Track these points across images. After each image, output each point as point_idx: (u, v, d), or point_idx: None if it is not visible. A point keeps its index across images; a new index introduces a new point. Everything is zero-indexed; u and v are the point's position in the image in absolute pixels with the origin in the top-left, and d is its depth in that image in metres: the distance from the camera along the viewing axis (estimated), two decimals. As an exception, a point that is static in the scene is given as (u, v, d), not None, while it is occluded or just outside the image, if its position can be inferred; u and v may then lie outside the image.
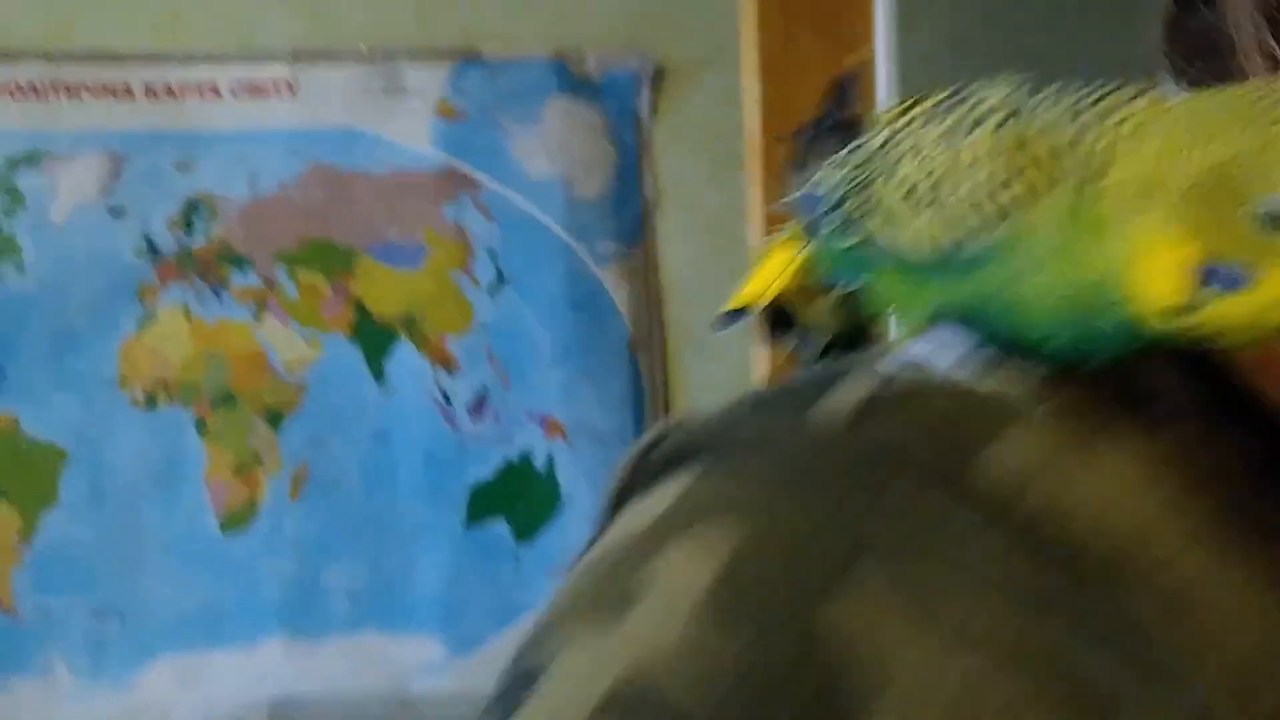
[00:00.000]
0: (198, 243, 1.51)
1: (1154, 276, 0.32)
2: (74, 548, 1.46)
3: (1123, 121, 0.35)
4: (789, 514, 0.29)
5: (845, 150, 0.42)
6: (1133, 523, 0.32)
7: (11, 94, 1.47)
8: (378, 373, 1.53)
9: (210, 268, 1.52)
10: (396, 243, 1.53)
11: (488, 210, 1.54)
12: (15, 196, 1.47)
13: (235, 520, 1.49)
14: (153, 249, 1.50)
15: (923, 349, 0.37)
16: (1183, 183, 0.32)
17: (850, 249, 0.40)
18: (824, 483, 0.30)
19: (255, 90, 1.53)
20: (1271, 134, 0.31)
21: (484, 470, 1.53)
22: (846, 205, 0.40)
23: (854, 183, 0.41)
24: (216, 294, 1.52)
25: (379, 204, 1.53)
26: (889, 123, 0.42)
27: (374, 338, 1.52)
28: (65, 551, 1.46)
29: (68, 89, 1.48)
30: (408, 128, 1.54)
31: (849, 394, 0.33)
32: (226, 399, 1.51)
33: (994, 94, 0.37)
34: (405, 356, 1.53)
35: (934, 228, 0.36)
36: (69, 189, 1.48)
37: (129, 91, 1.50)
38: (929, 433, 0.32)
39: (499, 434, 1.53)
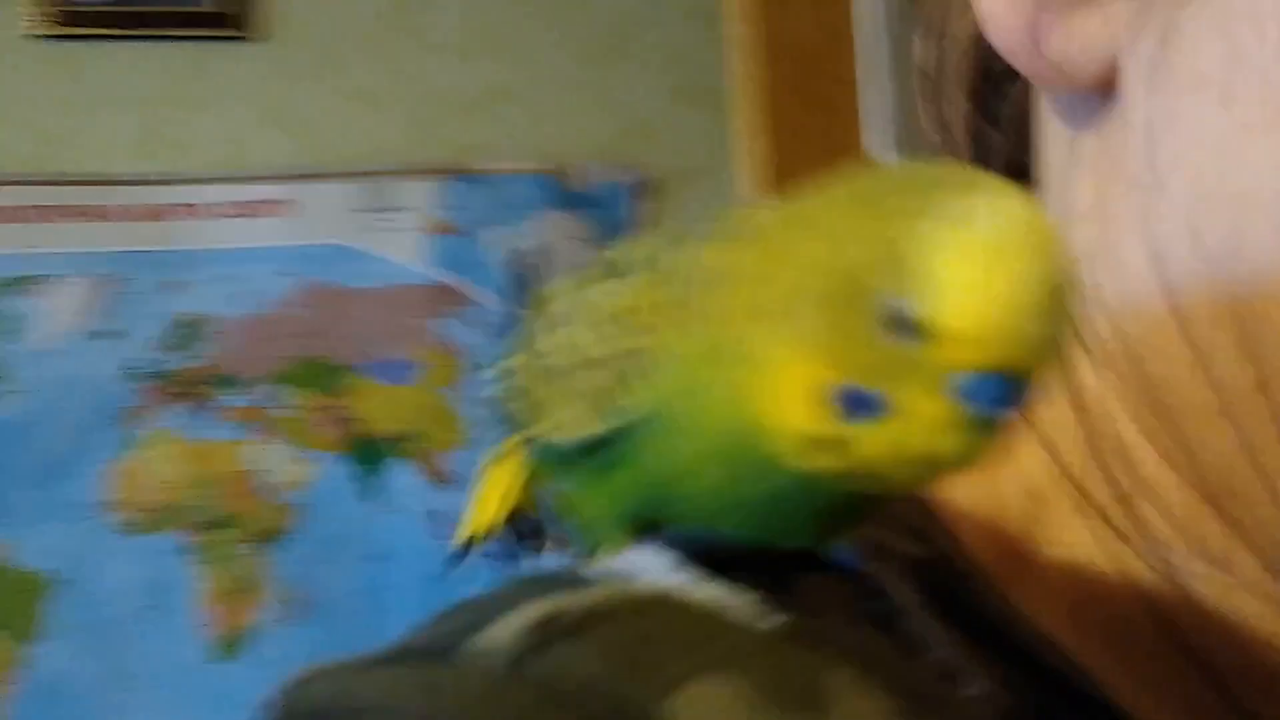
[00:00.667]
0: (185, 364, 1.50)
1: (783, 403, 0.26)
2: (63, 679, 1.42)
3: (733, 231, 0.29)
4: None
5: (506, 342, 0.37)
6: None
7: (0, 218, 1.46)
8: (372, 491, 1.50)
9: (199, 388, 1.50)
10: (389, 359, 1.51)
11: (479, 324, 1.53)
12: (5, 322, 1.45)
13: (226, 646, 1.45)
14: (141, 371, 1.48)
15: (632, 557, 0.32)
16: (795, 292, 0.26)
17: (533, 446, 0.34)
18: None
19: (245, 209, 1.52)
20: (890, 218, 0.25)
21: (480, 588, 1.49)
22: (504, 399, 0.36)
23: (506, 371, 0.36)
24: (205, 415, 1.50)
25: (370, 321, 1.52)
26: (546, 299, 0.37)
27: (368, 456, 1.50)
28: (54, 684, 1.41)
29: (54, 212, 1.48)
30: (399, 243, 1.54)
31: (518, 619, 0.27)
32: (217, 522, 1.48)
33: (639, 247, 0.32)
34: (400, 474, 1.50)
35: (581, 407, 0.31)
36: (58, 313, 1.47)
37: (116, 213, 1.49)
38: (610, 670, 0.26)
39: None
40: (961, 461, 0.25)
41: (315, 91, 1.54)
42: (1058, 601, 0.32)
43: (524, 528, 0.41)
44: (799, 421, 0.26)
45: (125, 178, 1.49)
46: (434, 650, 0.27)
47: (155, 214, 1.50)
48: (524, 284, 1.48)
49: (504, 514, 0.40)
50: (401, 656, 0.27)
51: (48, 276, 1.47)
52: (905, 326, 0.24)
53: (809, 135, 1.48)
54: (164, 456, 1.48)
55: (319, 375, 1.51)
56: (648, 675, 0.26)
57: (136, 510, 1.46)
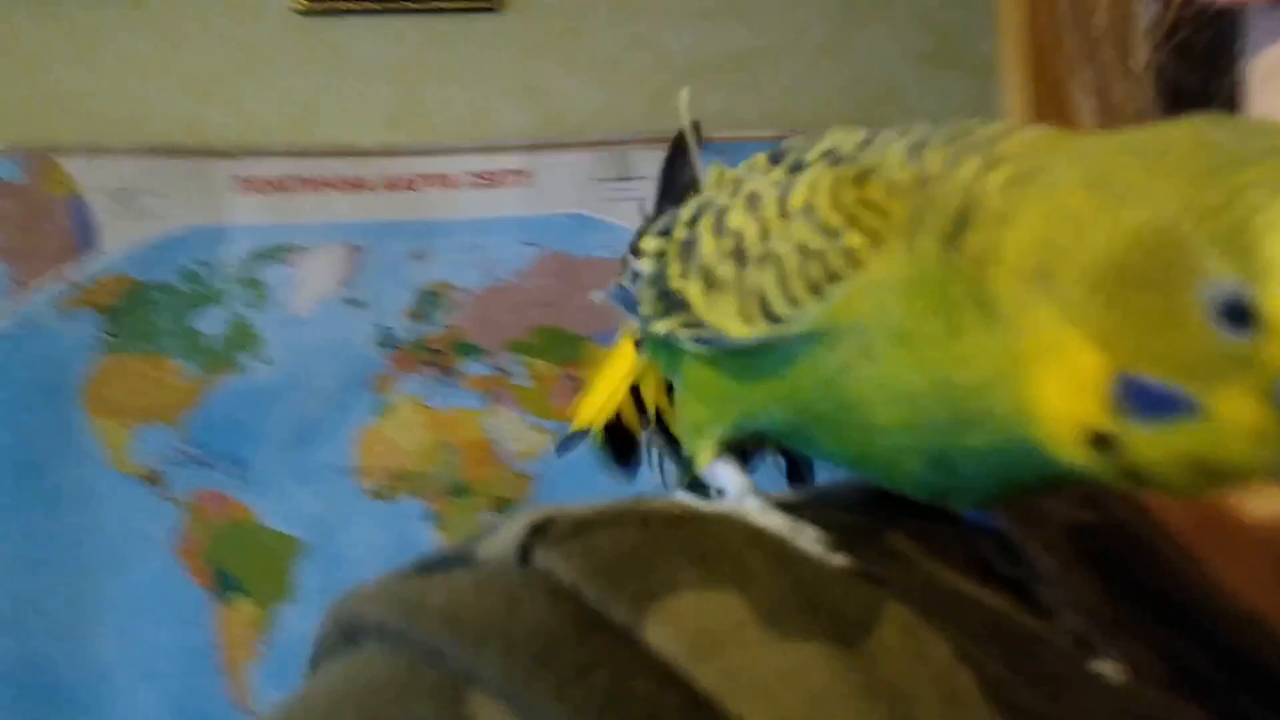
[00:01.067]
0: (432, 332, 1.52)
1: (1054, 390, 0.23)
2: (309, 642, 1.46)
3: (995, 163, 0.25)
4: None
5: (666, 217, 0.35)
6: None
7: (258, 189, 1.51)
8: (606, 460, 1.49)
9: (444, 357, 1.52)
10: (627, 330, 1.50)
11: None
12: (260, 290, 1.50)
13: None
14: (389, 339, 1.51)
15: (717, 471, 0.31)
16: (1094, 258, 0.22)
17: (667, 337, 0.32)
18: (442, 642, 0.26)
19: (489, 180, 1.53)
20: (1229, 186, 0.21)
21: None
22: (664, 277, 0.33)
23: (674, 249, 0.33)
24: (449, 382, 1.51)
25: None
26: (719, 180, 0.35)
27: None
28: (302, 645, 1.46)
29: (310, 183, 1.52)
30: (635, 213, 1.52)
31: (516, 525, 0.28)
32: (458, 489, 1.50)
33: (835, 137, 0.30)
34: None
35: (756, 297, 0.28)
36: (310, 281, 1.51)
37: (368, 184, 1.52)
38: (585, 576, 0.27)
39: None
40: (1270, 477, 0.22)
41: (557, 61, 1.54)
42: (1265, 567, 0.30)
43: (621, 439, 0.39)
44: (1072, 411, 0.23)
45: (377, 149, 1.52)
46: (456, 557, 0.29)
47: (404, 184, 1.53)
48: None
49: (608, 412, 0.38)
50: (431, 565, 0.29)
51: (302, 246, 1.51)
52: (1236, 316, 0.21)
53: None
54: (408, 423, 1.50)
55: (557, 344, 1.51)
56: (628, 584, 0.26)
57: (382, 476, 1.50)
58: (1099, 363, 0.22)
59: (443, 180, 1.53)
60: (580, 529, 0.27)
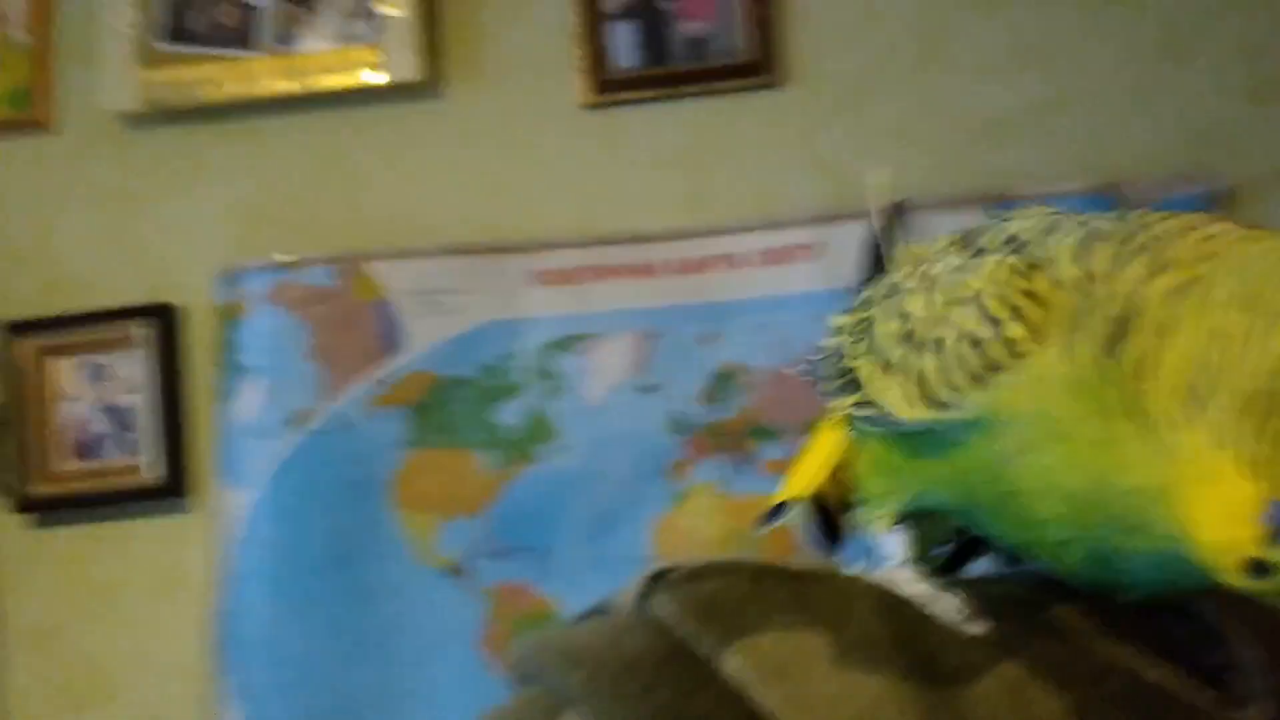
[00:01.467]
0: (726, 415, 1.48)
1: (1210, 515, 0.23)
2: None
3: (1161, 269, 0.25)
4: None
5: (860, 295, 0.36)
6: None
7: (552, 281, 1.53)
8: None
9: (739, 440, 1.47)
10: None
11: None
12: (555, 380, 1.51)
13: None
14: (683, 424, 1.48)
15: (883, 539, 0.33)
16: (1244, 383, 0.22)
17: (851, 415, 0.34)
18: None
19: (778, 256, 1.49)
20: None
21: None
22: (842, 355, 0.35)
23: (857, 328, 0.35)
24: (747, 467, 1.47)
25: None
26: (909, 259, 0.35)
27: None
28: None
29: (601, 271, 1.52)
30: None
31: (640, 575, 0.32)
32: (756, 577, 1.44)
33: (1022, 222, 0.30)
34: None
35: (921, 382, 0.30)
36: (603, 369, 1.51)
37: (657, 269, 1.51)
38: (683, 614, 0.30)
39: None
40: None
41: (843, 130, 1.49)
42: None
43: (826, 515, 0.40)
44: (1228, 540, 0.24)
45: (665, 234, 1.51)
46: (600, 606, 0.34)
47: (693, 267, 1.51)
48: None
49: (814, 486, 0.40)
50: (582, 615, 0.34)
51: (595, 334, 1.51)
52: None
53: None
54: (705, 510, 1.46)
55: (856, 424, 1.44)
56: (718, 622, 0.29)
57: (677, 564, 1.46)
58: (1252, 491, 0.22)
59: (731, 260, 1.50)
60: (692, 576, 0.31)
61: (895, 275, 0.34)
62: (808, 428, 1.48)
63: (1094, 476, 0.25)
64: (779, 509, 0.42)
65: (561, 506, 1.48)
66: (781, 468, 1.48)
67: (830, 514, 0.42)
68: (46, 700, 1.52)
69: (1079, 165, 1.43)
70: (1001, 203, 1.43)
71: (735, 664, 0.28)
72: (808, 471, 0.41)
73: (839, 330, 0.36)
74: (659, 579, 0.32)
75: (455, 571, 1.48)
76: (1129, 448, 0.25)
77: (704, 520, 1.46)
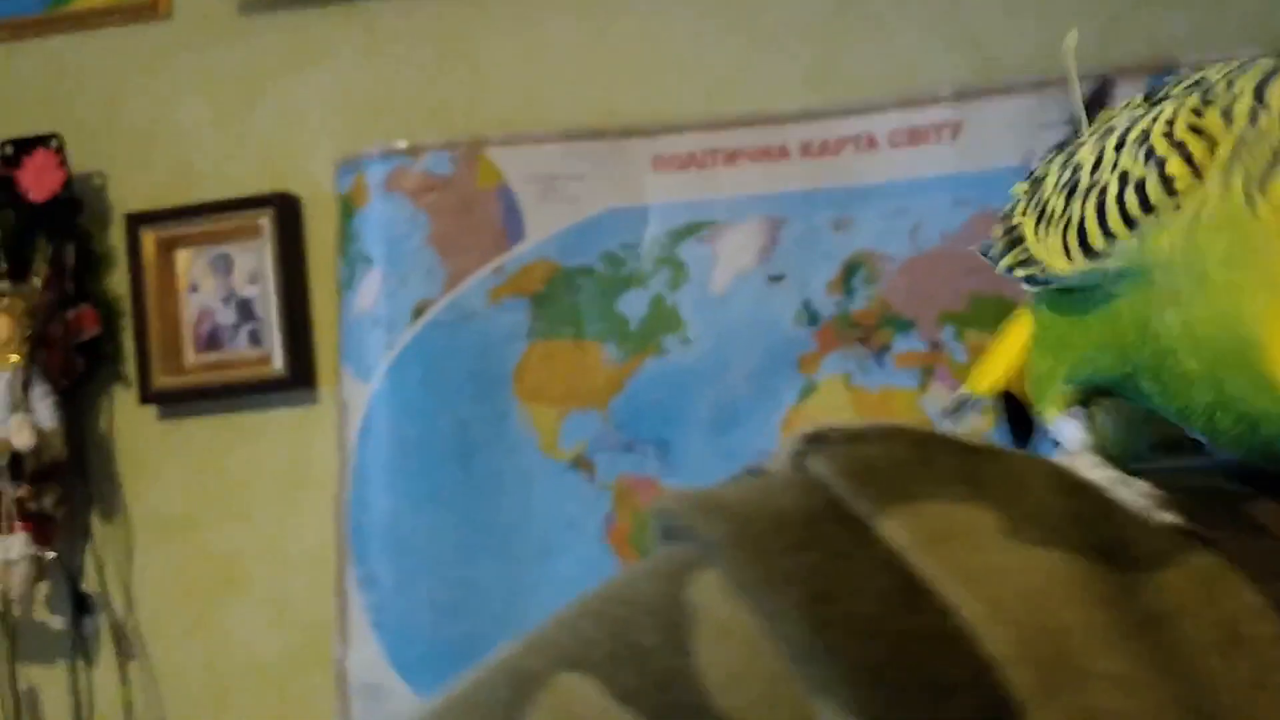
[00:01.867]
0: (858, 306, 1.41)
1: None
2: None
3: None
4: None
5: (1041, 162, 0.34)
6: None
7: (675, 166, 1.46)
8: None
9: (871, 332, 1.41)
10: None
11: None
12: (679, 269, 1.45)
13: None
14: (812, 315, 1.42)
15: (1059, 424, 0.32)
16: None
17: (1006, 275, 0.33)
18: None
19: (915, 137, 1.41)
20: None
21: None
22: (1010, 214, 0.33)
23: (1027, 187, 0.33)
24: (878, 360, 1.40)
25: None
26: (1101, 119, 0.34)
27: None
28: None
29: (726, 156, 1.45)
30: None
31: (792, 437, 0.31)
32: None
33: (1214, 67, 0.28)
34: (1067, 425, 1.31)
35: (1080, 231, 0.28)
36: (729, 258, 1.45)
37: (785, 152, 1.44)
38: (838, 476, 0.29)
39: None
40: None
41: (987, -2, 1.39)
42: None
43: (1017, 410, 0.38)
44: None
45: (794, 114, 1.43)
46: (754, 468, 0.32)
47: (823, 149, 1.43)
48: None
49: (1004, 378, 0.38)
50: (734, 476, 0.32)
51: (720, 221, 1.45)
52: None
53: None
54: (835, 405, 1.41)
55: (997, 314, 1.36)
56: (876, 485, 0.28)
57: (805, 460, 1.41)
58: None
59: (864, 141, 1.42)
60: (853, 438, 0.29)
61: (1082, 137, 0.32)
62: (943, 318, 1.41)
63: (1227, 327, 0.24)
64: (965, 402, 0.40)
65: (686, 399, 1.44)
66: (917, 360, 1.41)
67: (1021, 408, 0.39)
68: (176, 591, 1.54)
69: (1251, 29, 1.31)
70: (1168, 71, 1.31)
71: (893, 528, 0.27)
72: (997, 362, 0.38)
73: (1016, 196, 0.34)
74: (816, 440, 0.30)
75: (580, 465, 1.45)
76: (1261, 295, 0.23)
77: (833, 415, 1.40)
